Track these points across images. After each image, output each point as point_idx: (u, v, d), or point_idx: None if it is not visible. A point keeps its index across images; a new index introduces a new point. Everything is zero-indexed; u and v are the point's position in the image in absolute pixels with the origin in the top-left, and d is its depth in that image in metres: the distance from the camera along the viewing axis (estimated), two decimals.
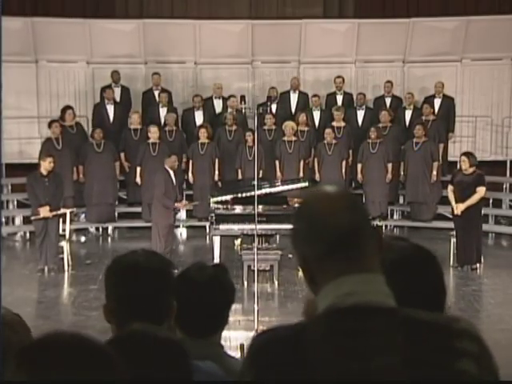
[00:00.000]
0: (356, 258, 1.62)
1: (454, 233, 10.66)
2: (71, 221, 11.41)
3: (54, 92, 14.31)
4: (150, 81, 14.15)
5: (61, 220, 10.70)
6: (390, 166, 12.98)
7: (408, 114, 13.91)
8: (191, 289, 2.63)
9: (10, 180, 13.44)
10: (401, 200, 13.90)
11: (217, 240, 10.18)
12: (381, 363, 1.52)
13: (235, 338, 7.13)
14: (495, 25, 13.94)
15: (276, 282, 9.83)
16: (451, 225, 10.87)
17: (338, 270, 1.61)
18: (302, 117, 13.42)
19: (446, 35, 14.17)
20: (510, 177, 14.11)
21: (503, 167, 14.16)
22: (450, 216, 11.07)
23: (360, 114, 13.89)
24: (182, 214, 12.95)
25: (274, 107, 13.78)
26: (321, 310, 1.61)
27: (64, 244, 10.68)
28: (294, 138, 13.07)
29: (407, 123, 13.81)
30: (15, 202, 13.45)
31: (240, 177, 12.82)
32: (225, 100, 14.01)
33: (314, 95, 14.01)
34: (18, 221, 13.26)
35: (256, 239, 8.86)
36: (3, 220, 12.96)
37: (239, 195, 10.21)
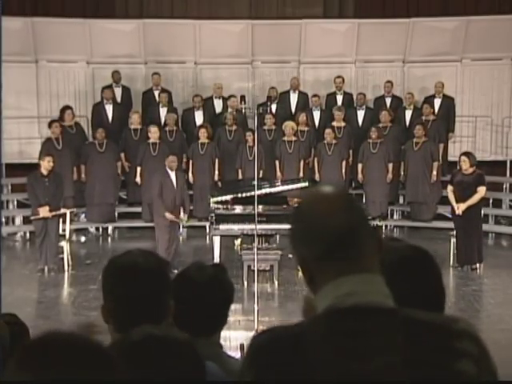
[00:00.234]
0: (355, 259, 1.62)
1: (454, 233, 10.66)
2: (71, 221, 11.41)
3: (54, 92, 14.31)
4: (150, 81, 14.15)
5: (61, 220, 10.70)
6: (390, 166, 12.98)
7: (408, 114, 13.91)
8: (191, 289, 2.63)
9: (10, 180, 13.44)
10: (401, 200, 13.90)
11: (217, 240, 10.18)
12: (380, 363, 1.52)
13: (235, 338, 7.14)
14: (495, 25, 13.94)
15: (276, 282, 9.83)
16: (451, 225, 10.87)
17: (336, 270, 1.61)
18: (302, 117, 13.42)
19: (446, 35, 14.17)
20: (510, 177, 14.11)
21: (503, 167, 14.16)
22: (450, 216, 11.06)
23: (360, 114, 13.89)
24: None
25: (273, 107, 13.78)
26: (320, 311, 1.61)
27: (64, 244, 10.68)
28: (294, 138, 13.07)
29: (407, 123, 13.81)
30: (15, 202, 13.46)
31: (240, 177, 12.81)
32: (225, 100, 14.01)
33: (314, 95, 14.01)
34: (18, 221, 13.26)
35: (256, 239, 8.86)
36: (3, 220, 12.96)
37: (239, 195, 10.21)
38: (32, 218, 10.70)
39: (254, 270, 8.56)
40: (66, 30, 13.94)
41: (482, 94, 14.41)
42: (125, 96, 14.15)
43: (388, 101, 14.17)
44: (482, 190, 10.36)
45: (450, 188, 10.57)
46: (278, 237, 10.77)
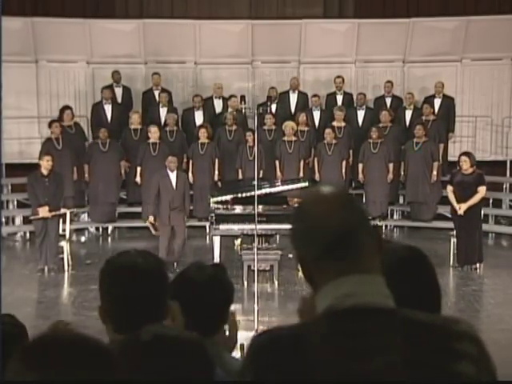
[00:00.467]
0: (354, 259, 1.62)
1: (454, 233, 10.66)
2: (71, 221, 11.41)
3: (54, 92, 14.31)
4: (150, 81, 14.15)
5: (61, 220, 10.70)
6: (391, 166, 12.98)
7: (408, 114, 13.91)
8: (190, 289, 2.63)
9: (10, 180, 13.45)
10: (401, 200, 13.90)
11: (217, 240, 10.18)
12: (380, 364, 1.52)
13: None
14: (495, 25, 13.94)
15: (276, 282, 9.83)
16: (451, 225, 10.86)
17: (336, 270, 1.61)
18: (302, 117, 13.42)
19: (446, 35, 14.17)
20: (510, 177, 14.11)
21: (503, 167, 14.16)
22: (450, 216, 11.06)
23: (360, 114, 13.89)
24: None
25: (273, 107, 13.78)
26: (320, 311, 1.61)
27: (64, 244, 10.68)
28: (293, 138, 13.07)
29: (407, 123, 13.81)
30: (15, 202, 13.46)
31: (240, 177, 12.81)
32: (225, 100, 14.01)
33: (314, 95, 14.01)
34: (18, 221, 13.26)
35: (256, 239, 8.86)
36: (3, 220, 12.97)
37: (239, 195, 10.21)
38: (31, 217, 10.70)
39: (254, 270, 8.55)
40: (66, 29, 13.94)
41: (482, 94, 14.41)
42: (125, 96, 14.15)
43: (388, 101, 14.17)
44: (482, 190, 10.36)
45: (449, 188, 10.55)
46: (277, 237, 10.77)
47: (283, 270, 10.02)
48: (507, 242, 12.76)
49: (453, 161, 13.27)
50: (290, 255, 10.47)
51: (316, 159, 13.15)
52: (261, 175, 11.63)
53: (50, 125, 12.77)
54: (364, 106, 13.92)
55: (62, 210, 10.73)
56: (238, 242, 10.92)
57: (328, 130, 13.04)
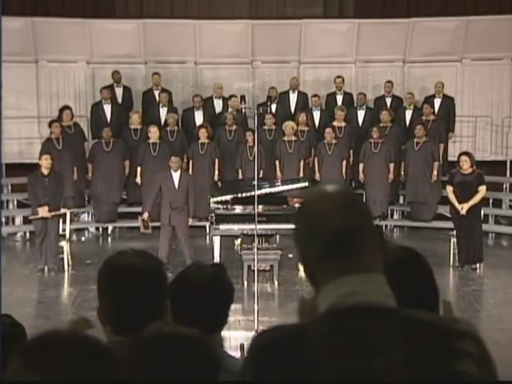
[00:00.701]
0: (356, 258, 1.62)
1: (454, 233, 10.65)
2: (71, 221, 11.41)
3: (53, 92, 14.31)
4: (150, 81, 14.15)
5: (61, 220, 10.70)
6: (391, 165, 12.98)
7: (408, 114, 13.91)
8: (190, 289, 2.63)
9: (10, 180, 13.45)
10: (401, 200, 13.90)
11: (217, 240, 10.18)
12: (381, 363, 1.52)
13: (235, 338, 7.13)
14: (495, 25, 13.94)
15: (276, 282, 9.82)
16: (451, 225, 10.86)
17: (338, 269, 1.61)
18: (302, 117, 13.42)
19: (446, 35, 14.17)
20: (510, 177, 14.11)
21: (503, 167, 14.16)
22: (449, 216, 11.06)
23: (360, 114, 13.89)
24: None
25: (273, 107, 13.77)
26: (322, 310, 1.61)
27: (64, 244, 10.68)
28: (294, 138, 13.07)
29: (407, 123, 13.82)
30: (15, 202, 13.46)
31: (240, 177, 12.81)
32: (225, 100, 14.01)
33: (314, 95, 14.01)
34: (18, 221, 13.26)
35: (256, 239, 8.85)
36: (3, 220, 12.97)
37: (239, 195, 10.20)
38: (31, 217, 10.70)
39: (254, 270, 8.55)
40: (66, 29, 13.94)
41: (482, 93, 14.41)
42: (126, 96, 14.15)
43: (388, 101, 14.17)
44: (483, 190, 10.38)
45: (450, 189, 10.53)
46: (277, 237, 10.76)
47: (283, 269, 10.02)
48: (507, 241, 12.76)
49: (453, 161, 13.28)
50: (290, 255, 10.48)
51: (316, 159, 13.15)
52: (261, 175, 11.62)
53: (50, 125, 12.77)
54: (364, 106, 13.92)
55: (62, 210, 10.73)
56: (238, 241, 10.92)
57: (328, 130, 13.04)
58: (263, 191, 9.86)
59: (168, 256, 10.32)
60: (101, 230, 13.28)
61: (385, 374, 1.52)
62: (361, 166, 13.12)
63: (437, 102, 13.90)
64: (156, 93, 14.01)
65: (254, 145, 11.53)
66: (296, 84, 14.18)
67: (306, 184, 10.78)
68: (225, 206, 10.24)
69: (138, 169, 12.90)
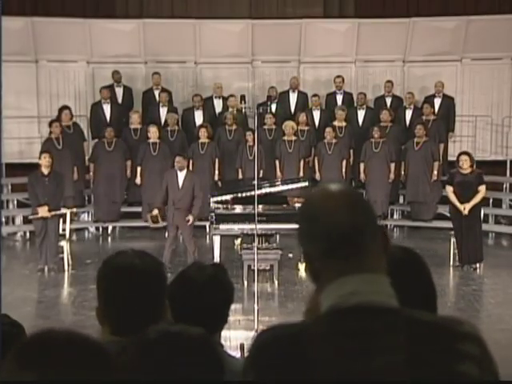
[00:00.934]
0: (359, 258, 1.62)
1: (454, 232, 10.64)
2: (71, 221, 11.41)
3: (53, 92, 14.31)
4: (150, 81, 14.15)
5: (61, 220, 10.70)
6: (392, 165, 12.98)
7: (408, 114, 13.91)
8: (190, 289, 2.63)
9: (9, 180, 13.45)
10: (401, 200, 13.90)
11: (217, 240, 10.17)
12: (383, 363, 1.52)
13: (235, 338, 7.14)
14: (495, 25, 13.94)
15: (276, 282, 9.82)
16: (451, 224, 10.86)
17: (340, 269, 1.61)
18: (302, 116, 13.42)
19: (446, 35, 14.17)
20: (510, 177, 14.11)
21: (503, 167, 14.16)
22: (449, 215, 11.06)
23: (360, 114, 13.89)
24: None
25: (273, 107, 13.77)
26: (324, 309, 1.61)
27: (64, 244, 10.68)
28: (294, 138, 13.07)
29: (407, 123, 13.82)
30: (15, 202, 13.45)
31: (240, 176, 12.81)
32: (225, 100, 14.01)
33: (314, 95, 14.01)
34: (18, 221, 13.26)
35: (256, 239, 8.85)
36: (3, 220, 12.97)
37: (239, 195, 10.20)
38: (31, 217, 10.71)
39: (254, 270, 8.55)
40: (66, 29, 13.94)
41: (482, 93, 14.41)
42: (126, 96, 14.15)
43: (388, 100, 14.17)
44: (483, 189, 10.40)
45: (450, 189, 10.51)
46: (277, 236, 10.77)
47: (283, 269, 10.02)
48: (507, 241, 12.76)
49: (453, 160, 13.28)
50: (290, 255, 10.48)
51: (316, 159, 13.15)
52: (261, 175, 11.62)
53: (50, 124, 12.77)
54: (364, 106, 13.92)
55: (62, 210, 10.73)
56: (238, 241, 10.93)
57: (328, 129, 13.04)
58: (263, 191, 9.86)
59: (170, 257, 10.32)
60: (101, 229, 13.27)
61: (386, 375, 1.52)
62: (361, 165, 13.11)
63: (437, 102, 13.90)
64: (156, 92, 14.01)
65: (253, 144, 11.53)
66: (296, 84, 14.18)
67: (306, 184, 10.79)
68: (225, 206, 10.24)
69: (138, 168, 12.90)
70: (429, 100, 13.85)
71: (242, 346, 5.65)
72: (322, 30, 14.35)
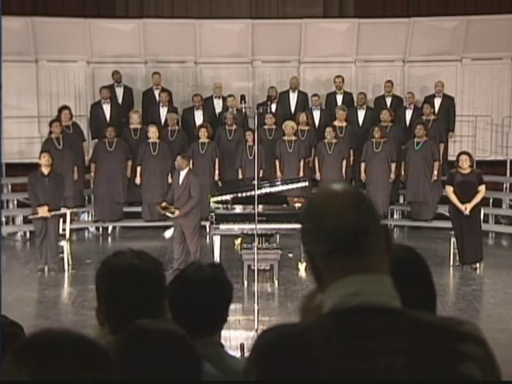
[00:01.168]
0: (362, 258, 1.62)
1: (454, 232, 10.64)
2: (71, 220, 11.41)
3: (53, 92, 14.30)
4: (150, 80, 14.14)
5: (61, 220, 10.70)
6: (393, 165, 12.98)
7: (408, 114, 13.91)
8: (189, 288, 2.63)
9: (9, 180, 13.45)
10: (401, 199, 13.90)
11: (217, 240, 10.17)
12: (384, 364, 1.52)
13: (235, 338, 7.14)
14: (495, 25, 13.93)
15: (276, 282, 9.82)
16: (451, 224, 10.86)
17: (343, 269, 1.61)
18: (303, 116, 13.42)
19: (446, 35, 14.17)
20: (510, 177, 14.11)
21: (503, 167, 14.16)
22: (448, 215, 11.06)
23: (361, 114, 13.89)
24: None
25: (273, 107, 13.77)
26: (326, 309, 1.61)
27: (64, 244, 10.68)
28: (294, 138, 13.07)
29: (408, 123, 13.81)
30: (15, 202, 13.45)
31: (240, 176, 12.80)
32: (225, 99, 14.00)
33: (314, 95, 14.00)
34: (18, 221, 13.26)
35: (256, 239, 8.85)
36: (3, 220, 12.96)
37: (239, 195, 10.20)
38: (30, 217, 10.71)
39: (254, 270, 8.55)
40: (66, 29, 13.94)
41: (482, 93, 14.41)
42: (126, 96, 14.14)
43: (388, 100, 14.17)
44: (483, 189, 10.41)
45: (450, 189, 10.50)
46: (278, 236, 10.77)
47: (283, 269, 10.03)
48: (507, 241, 12.75)
49: (453, 160, 13.28)
50: (290, 255, 10.48)
51: (316, 158, 13.15)
52: (261, 175, 11.62)
53: (50, 124, 12.77)
54: (364, 106, 13.91)
55: (62, 210, 10.73)
56: (238, 241, 10.94)
57: (329, 129, 13.04)
58: (263, 191, 9.86)
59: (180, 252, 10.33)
60: (101, 229, 13.27)
61: (388, 375, 1.52)
62: (362, 165, 13.10)
63: (437, 102, 13.89)
64: (156, 92, 14.01)
65: (253, 144, 11.52)
66: (296, 84, 14.18)
67: (306, 184, 10.80)
68: (225, 206, 10.23)
69: (138, 168, 12.90)
70: (429, 100, 13.85)
71: (242, 346, 5.66)
72: (322, 30, 14.34)
